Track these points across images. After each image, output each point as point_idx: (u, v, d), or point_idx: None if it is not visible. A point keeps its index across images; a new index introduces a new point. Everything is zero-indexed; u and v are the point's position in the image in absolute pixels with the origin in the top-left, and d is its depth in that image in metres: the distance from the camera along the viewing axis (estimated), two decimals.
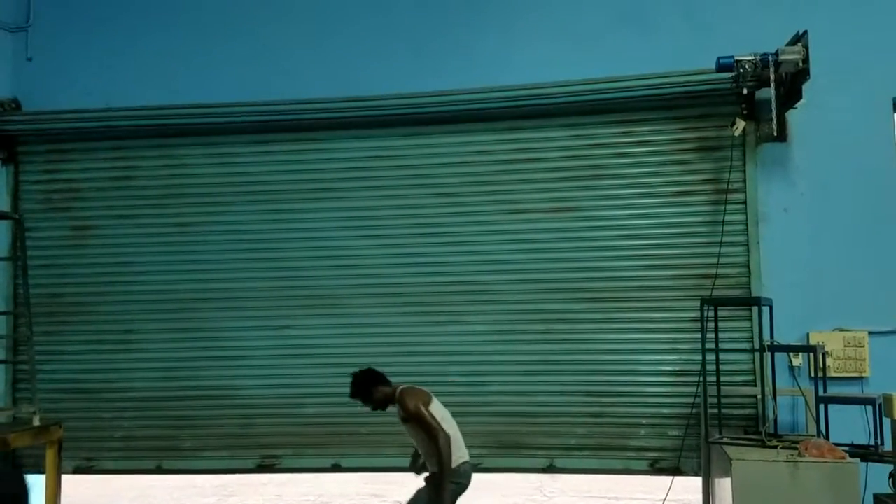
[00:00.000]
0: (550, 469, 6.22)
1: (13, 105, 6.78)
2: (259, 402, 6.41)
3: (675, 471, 5.94)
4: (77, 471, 6.58)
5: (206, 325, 6.53)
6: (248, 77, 6.52)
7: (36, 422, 5.90)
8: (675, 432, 5.96)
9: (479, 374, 6.23)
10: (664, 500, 5.85)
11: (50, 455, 6.03)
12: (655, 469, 6.02)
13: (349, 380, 5.30)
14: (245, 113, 6.40)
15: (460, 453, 5.24)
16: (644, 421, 6.04)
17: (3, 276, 6.59)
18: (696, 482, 5.84)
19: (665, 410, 6.00)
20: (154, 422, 6.53)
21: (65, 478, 6.24)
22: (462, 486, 5.25)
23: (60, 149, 6.77)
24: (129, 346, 6.61)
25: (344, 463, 6.37)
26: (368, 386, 5.28)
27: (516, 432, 6.17)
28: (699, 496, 5.78)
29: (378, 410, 5.34)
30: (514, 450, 6.17)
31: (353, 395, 5.34)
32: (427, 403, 5.18)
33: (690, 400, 5.80)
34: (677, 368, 6.00)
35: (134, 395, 6.57)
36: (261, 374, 6.45)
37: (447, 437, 5.09)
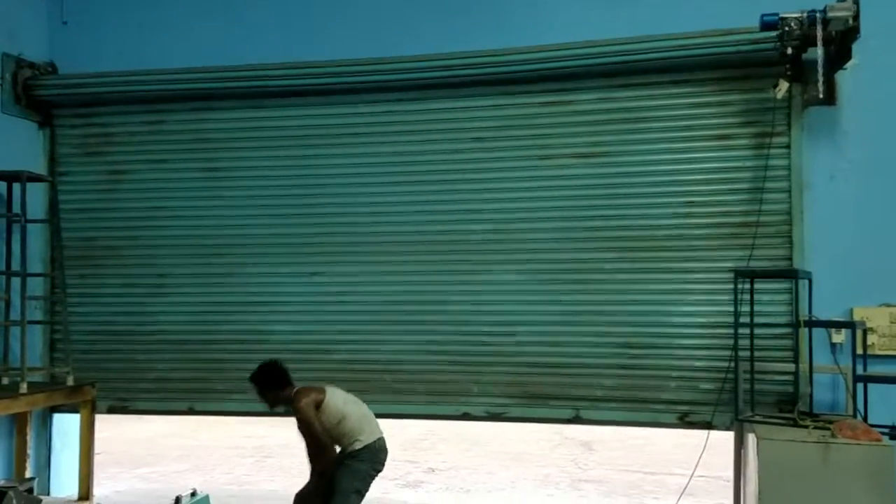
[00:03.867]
0: (576, 420, 6.11)
1: (49, 69, 6.87)
2: (288, 348, 6.37)
3: (707, 425, 5.72)
4: (111, 410, 6.74)
5: (237, 271, 6.59)
6: (279, 39, 6.50)
7: (70, 381, 6.12)
8: (707, 386, 5.75)
9: (507, 324, 6.14)
10: (701, 453, 5.59)
11: (84, 414, 6.26)
12: (685, 423, 5.83)
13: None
14: (276, 76, 6.39)
15: (370, 427, 5.09)
16: (675, 374, 5.85)
17: (41, 238, 6.71)
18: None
19: (698, 363, 5.80)
20: (186, 364, 6.63)
21: (113, 438, 6.45)
22: (374, 466, 5.04)
23: (95, 103, 6.81)
24: (163, 290, 6.69)
25: (371, 409, 6.36)
26: (268, 384, 5.09)
27: (542, 382, 6.06)
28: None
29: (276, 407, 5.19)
30: (539, 399, 6.08)
31: (256, 386, 5.14)
32: (320, 403, 4.98)
33: (725, 353, 5.52)
34: (712, 320, 5.77)
35: (166, 338, 6.67)
36: (290, 320, 6.49)
37: (332, 457, 4.98)
